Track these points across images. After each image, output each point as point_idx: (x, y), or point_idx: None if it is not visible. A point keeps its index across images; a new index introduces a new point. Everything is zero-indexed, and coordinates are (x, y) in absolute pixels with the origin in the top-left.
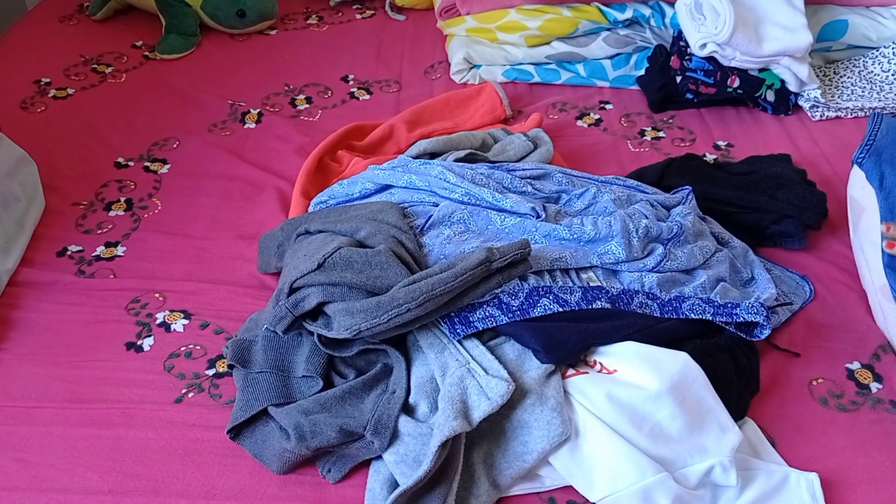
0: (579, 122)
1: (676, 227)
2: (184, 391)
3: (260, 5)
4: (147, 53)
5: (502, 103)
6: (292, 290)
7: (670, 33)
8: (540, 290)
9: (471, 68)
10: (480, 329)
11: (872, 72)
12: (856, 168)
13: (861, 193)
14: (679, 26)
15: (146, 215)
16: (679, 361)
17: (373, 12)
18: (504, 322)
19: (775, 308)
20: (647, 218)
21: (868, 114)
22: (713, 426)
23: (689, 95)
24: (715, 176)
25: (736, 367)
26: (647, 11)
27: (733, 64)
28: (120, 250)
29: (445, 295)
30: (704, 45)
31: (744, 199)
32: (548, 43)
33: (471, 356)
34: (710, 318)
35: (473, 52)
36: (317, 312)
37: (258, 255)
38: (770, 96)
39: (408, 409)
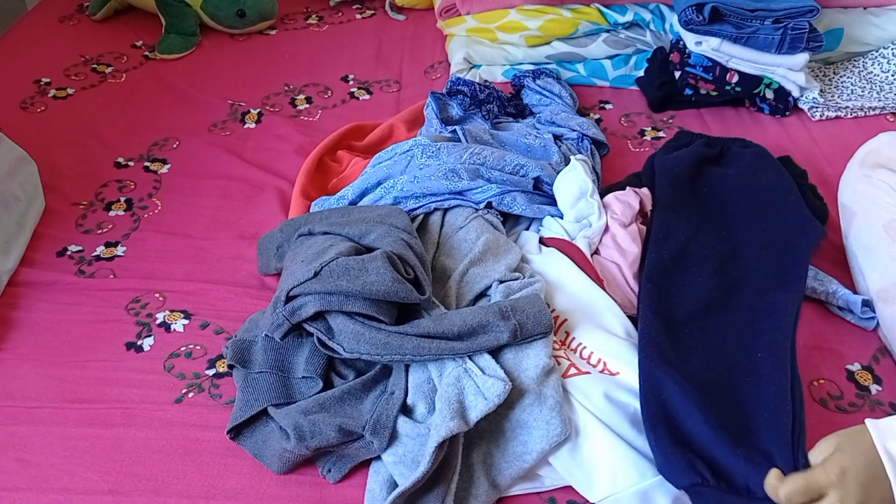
0: None
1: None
2: (184, 391)
3: (260, 5)
4: (147, 53)
5: None
6: (289, 298)
7: (670, 38)
8: None
9: (471, 68)
10: None
11: (872, 72)
12: (846, 173)
13: (851, 199)
14: (679, 34)
15: (146, 215)
16: None
17: (373, 12)
18: None
19: None
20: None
21: (868, 114)
22: None
23: (687, 91)
24: None
25: None
26: (647, 16)
27: (731, 65)
28: (120, 250)
29: (452, 355)
30: (700, 44)
31: None
32: (548, 43)
33: (468, 356)
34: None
35: (473, 52)
36: (317, 314)
37: (258, 257)
38: (769, 94)
39: (406, 410)
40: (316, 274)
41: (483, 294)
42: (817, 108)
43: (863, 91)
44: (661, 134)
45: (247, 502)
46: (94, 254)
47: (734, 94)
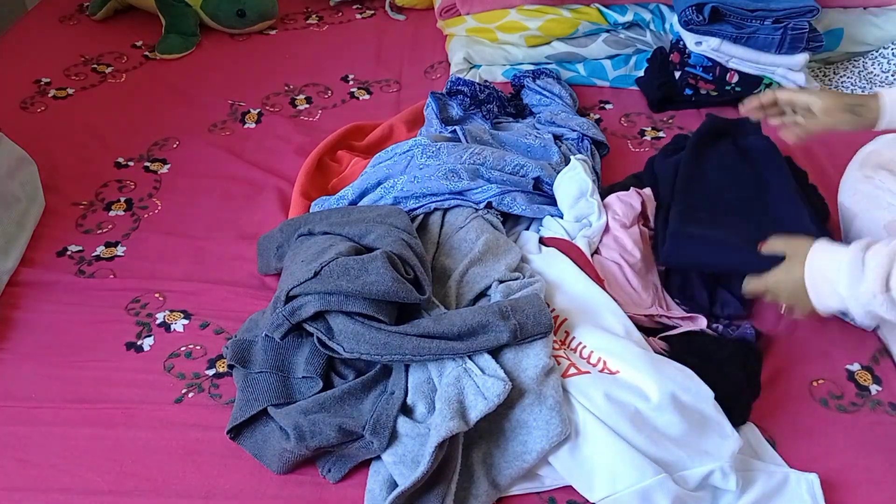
0: None
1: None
2: (184, 391)
3: (260, 5)
4: (147, 53)
5: None
6: (289, 298)
7: (670, 38)
8: None
9: (471, 68)
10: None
11: (872, 72)
12: (846, 174)
13: (852, 200)
14: (679, 34)
15: (146, 215)
16: (682, 373)
17: (373, 12)
18: None
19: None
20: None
21: None
22: (713, 434)
23: (687, 91)
24: None
25: (746, 375)
26: (647, 16)
27: (731, 65)
28: (120, 250)
29: (452, 356)
30: (700, 44)
31: None
32: (548, 43)
33: (468, 356)
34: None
35: (473, 52)
36: (317, 314)
37: (258, 257)
38: None
39: (406, 410)
40: (316, 274)
41: (483, 294)
42: None
43: (863, 91)
44: (661, 134)
45: (247, 502)
46: (94, 254)
47: (734, 94)
